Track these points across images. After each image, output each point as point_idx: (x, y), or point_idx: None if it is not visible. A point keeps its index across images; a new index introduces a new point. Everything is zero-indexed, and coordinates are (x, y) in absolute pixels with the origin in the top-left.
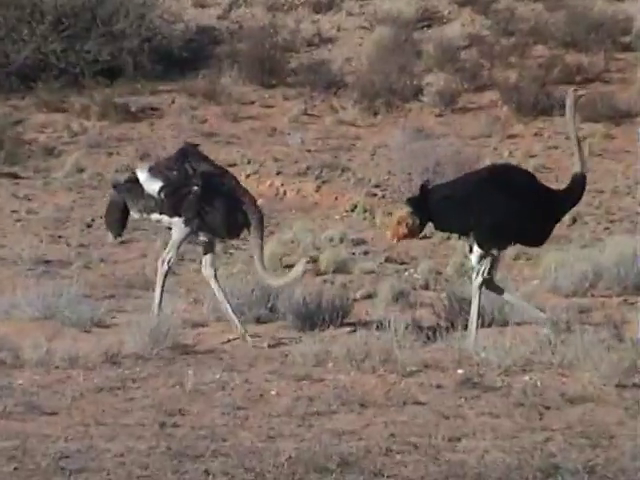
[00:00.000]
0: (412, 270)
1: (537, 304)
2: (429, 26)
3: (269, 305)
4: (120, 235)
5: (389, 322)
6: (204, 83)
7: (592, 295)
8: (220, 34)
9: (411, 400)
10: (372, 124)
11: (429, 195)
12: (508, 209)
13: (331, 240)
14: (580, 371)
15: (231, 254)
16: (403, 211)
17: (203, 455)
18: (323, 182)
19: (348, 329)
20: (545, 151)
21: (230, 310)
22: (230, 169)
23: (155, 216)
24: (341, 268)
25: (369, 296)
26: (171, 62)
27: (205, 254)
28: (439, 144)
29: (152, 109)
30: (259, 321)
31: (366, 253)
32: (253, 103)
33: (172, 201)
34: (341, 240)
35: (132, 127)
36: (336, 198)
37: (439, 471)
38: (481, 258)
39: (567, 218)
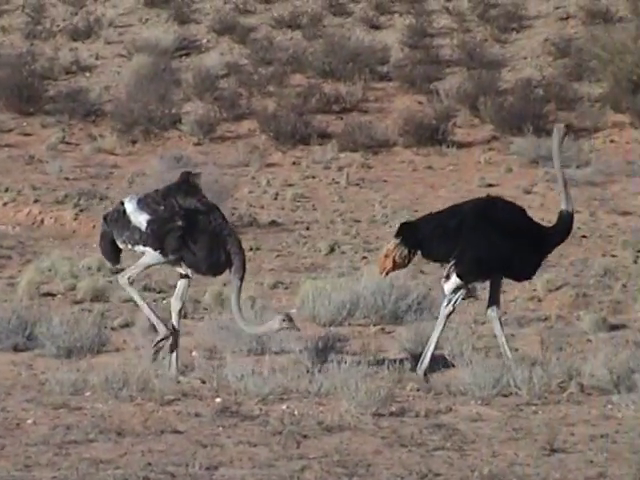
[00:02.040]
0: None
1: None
2: (188, 55)
3: (27, 333)
4: (118, 263)
5: (147, 350)
6: None
7: (349, 324)
8: None
9: (169, 429)
10: (130, 152)
11: (418, 225)
12: (492, 243)
13: (89, 268)
14: (337, 400)
15: None
16: (390, 244)
17: None
18: (81, 210)
19: (107, 357)
20: (303, 180)
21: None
22: None
23: (139, 248)
24: (99, 296)
25: (127, 324)
26: None
27: (180, 286)
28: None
29: None
30: (16, 349)
31: None
32: (11, 131)
33: (157, 235)
34: (99, 269)
35: None
36: (94, 226)
37: None
38: (457, 289)
39: (325, 247)
